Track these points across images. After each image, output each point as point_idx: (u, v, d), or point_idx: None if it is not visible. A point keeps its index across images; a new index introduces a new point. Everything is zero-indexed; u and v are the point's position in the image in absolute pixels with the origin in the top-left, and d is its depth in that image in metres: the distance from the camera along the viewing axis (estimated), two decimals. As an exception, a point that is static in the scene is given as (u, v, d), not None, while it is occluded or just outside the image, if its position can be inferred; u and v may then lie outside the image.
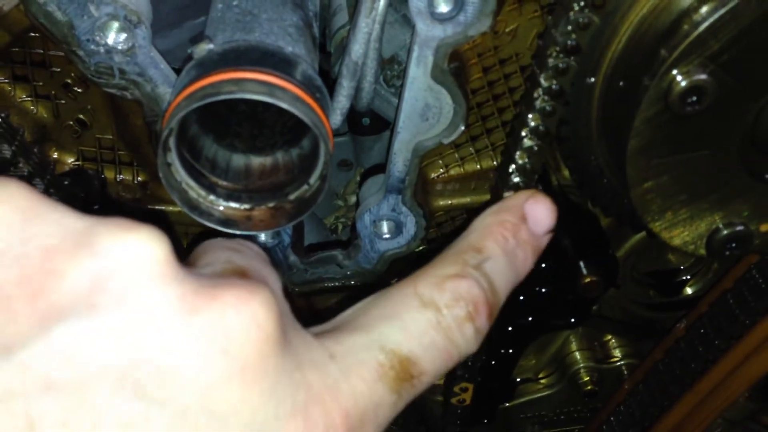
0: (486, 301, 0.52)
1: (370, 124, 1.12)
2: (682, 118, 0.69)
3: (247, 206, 0.78)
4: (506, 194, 0.82)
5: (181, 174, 0.75)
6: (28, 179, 0.80)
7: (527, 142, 0.81)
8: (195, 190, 0.76)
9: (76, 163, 0.99)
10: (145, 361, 0.35)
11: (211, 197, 0.77)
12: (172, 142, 0.71)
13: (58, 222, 0.36)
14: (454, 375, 1.05)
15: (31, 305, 0.34)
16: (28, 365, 0.33)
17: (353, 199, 1.25)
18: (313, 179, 0.77)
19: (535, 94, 0.76)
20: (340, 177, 1.20)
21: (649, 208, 0.77)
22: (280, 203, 0.78)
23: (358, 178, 1.22)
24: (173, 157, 0.73)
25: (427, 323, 0.48)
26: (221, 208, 0.77)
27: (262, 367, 0.38)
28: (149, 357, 0.35)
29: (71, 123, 0.97)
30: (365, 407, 0.43)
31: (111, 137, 0.99)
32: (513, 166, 0.84)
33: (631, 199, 0.77)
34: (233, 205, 0.78)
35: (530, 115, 0.79)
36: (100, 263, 0.35)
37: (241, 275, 0.45)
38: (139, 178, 1.02)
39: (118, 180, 1.01)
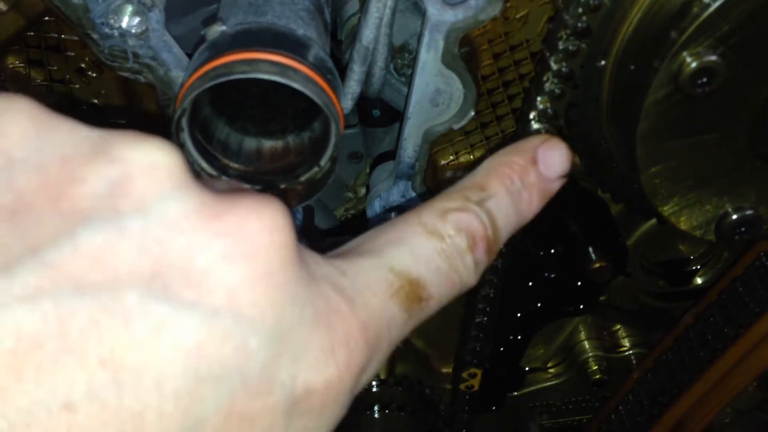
0: (485, 236, 0.52)
1: (381, 115, 1.13)
2: (692, 100, 0.69)
3: (258, 188, 0.79)
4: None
5: (193, 155, 0.76)
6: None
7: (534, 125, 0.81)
8: (207, 172, 0.77)
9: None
10: (172, 265, 0.35)
11: (223, 179, 0.78)
12: (184, 122, 0.72)
13: (70, 132, 0.36)
14: (462, 361, 1.06)
15: (55, 208, 0.34)
16: (55, 265, 0.33)
17: (363, 190, 1.25)
18: (324, 161, 0.77)
19: (545, 77, 0.77)
20: (350, 169, 1.21)
21: (658, 191, 0.77)
22: (290, 185, 0.79)
23: (368, 170, 1.23)
24: (186, 138, 0.74)
25: (433, 249, 0.48)
26: (232, 189, 0.78)
27: (284, 272, 0.38)
28: (176, 260, 0.35)
29: (85, 108, 0.98)
30: (379, 322, 0.44)
31: (124, 122, 1.00)
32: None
33: (640, 183, 0.77)
34: (244, 187, 0.79)
35: (539, 98, 0.80)
36: (119, 169, 0.35)
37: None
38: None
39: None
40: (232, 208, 0.37)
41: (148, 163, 0.36)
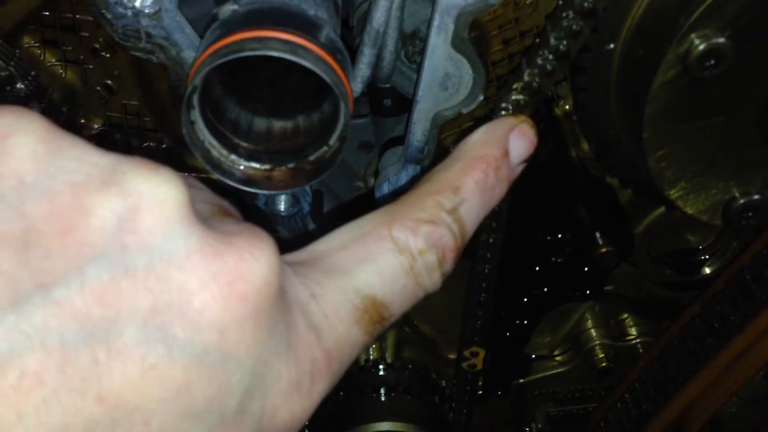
0: (455, 248, 0.53)
1: (392, 105, 1.13)
2: (699, 83, 0.69)
3: (267, 166, 0.80)
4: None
5: (204, 133, 0.77)
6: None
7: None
8: (217, 150, 0.78)
9: (103, 128, 1.02)
10: (171, 303, 0.36)
11: (233, 157, 0.79)
12: (195, 99, 0.73)
13: (80, 157, 0.36)
14: (464, 339, 1.07)
15: (64, 242, 0.34)
16: (63, 302, 0.33)
17: (373, 180, 1.26)
18: (333, 140, 0.78)
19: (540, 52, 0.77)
20: (360, 159, 1.21)
21: (665, 175, 0.77)
22: (300, 164, 0.80)
23: (378, 160, 1.23)
24: (197, 116, 0.75)
25: (401, 268, 0.50)
26: (242, 167, 0.79)
27: (269, 310, 0.40)
28: (175, 299, 0.36)
29: (98, 88, 0.99)
30: (343, 349, 0.46)
31: (137, 103, 1.01)
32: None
33: (647, 168, 0.78)
34: (254, 165, 0.79)
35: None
36: (128, 202, 0.36)
37: (226, 214, 0.46)
38: (164, 145, 1.04)
39: (143, 146, 1.03)
40: (231, 248, 0.38)
41: (157, 198, 0.36)
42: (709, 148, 0.75)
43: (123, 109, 1.01)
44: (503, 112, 0.83)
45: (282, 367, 0.41)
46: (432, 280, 0.52)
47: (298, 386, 0.42)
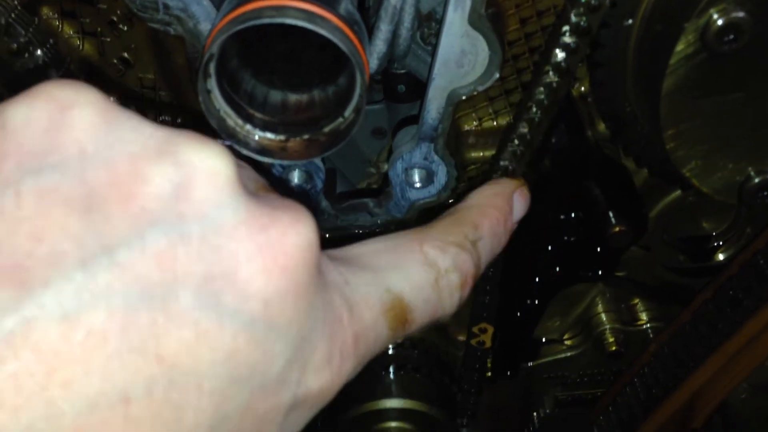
0: (474, 275, 0.58)
1: (406, 91, 1.13)
2: (718, 58, 0.69)
3: (282, 137, 0.80)
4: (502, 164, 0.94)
5: (220, 102, 0.77)
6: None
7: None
8: (233, 119, 0.78)
9: (119, 101, 1.02)
10: (222, 272, 0.37)
11: (248, 127, 0.79)
12: (212, 68, 0.73)
13: (137, 129, 0.39)
14: (472, 315, 1.07)
15: (124, 207, 0.36)
16: (126, 265, 0.35)
17: (386, 166, 1.26)
18: (348, 112, 0.78)
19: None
20: (373, 145, 1.21)
21: (681, 153, 0.77)
22: (314, 135, 0.80)
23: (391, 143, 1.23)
24: (213, 85, 0.75)
25: (427, 280, 0.53)
26: (257, 137, 0.79)
27: (309, 284, 0.41)
28: (226, 268, 0.38)
29: (115, 61, 1.00)
30: (369, 335, 0.48)
31: (152, 77, 1.01)
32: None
33: (663, 145, 0.77)
34: (269, 135, 0.80)
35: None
36: (183, 172, 0.38)
37: (267, 190, 0.48)
38: (180, 119, 1.05)
39: (159, 120, 1.04)
40: (276, 222, 0.40)
41: (209, 169, 0.38)
42: (725, 126, 0.75)
43: (139, 82, 1.02)
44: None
45: (318, 341, 0.43)
46: (451, 300, 0.55)
47: (330, 361, 0.44)
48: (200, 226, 0.37)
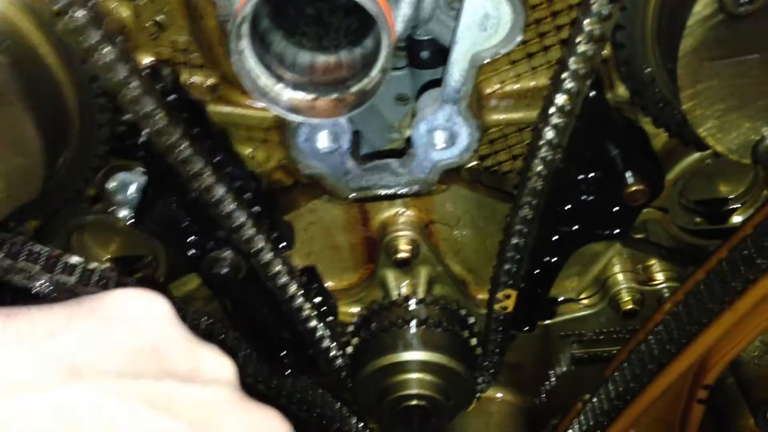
0: None
1: (429, 57, 1.15)
2: (735, 19, 0.71)
3: (311, 96, 0.83)
4: None
5: (251, 63, 0.81)
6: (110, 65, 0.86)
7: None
8: (264, 79, 0.82)
9: (152, 63, 1.06)
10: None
11: (279, 86, 0.83)
12: (245, 29, 0.77)
13: (184, 343, 0.56)
14: (498, 281, 1.10)
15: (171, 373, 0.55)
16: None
17: (408, 132, 1.28)
18: (375, 72, 0.81)
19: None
20: (397, 111, 1.23)
21: (697, 112, 0.79)
22: (342, 95, 0.83)
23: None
24: (245, 45, 0.79)
25: None
26: (287, 97, 0.83)
27: None
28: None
29: (149, 24, 1.03)
30: None
31: (185, 39, 1.05)
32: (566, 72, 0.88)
33: (680, 105, 0.80)
34: (299, 94, 0.83)
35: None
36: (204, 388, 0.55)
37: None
38: (210, 81, 1.08)
39: (189, 82, 1.08)
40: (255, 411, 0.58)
41: (214, 382, 0.56)
42: (741, 86, 0.77)
43: (172, 45, 1.05)
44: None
45: None
46: None
47: None
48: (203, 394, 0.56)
